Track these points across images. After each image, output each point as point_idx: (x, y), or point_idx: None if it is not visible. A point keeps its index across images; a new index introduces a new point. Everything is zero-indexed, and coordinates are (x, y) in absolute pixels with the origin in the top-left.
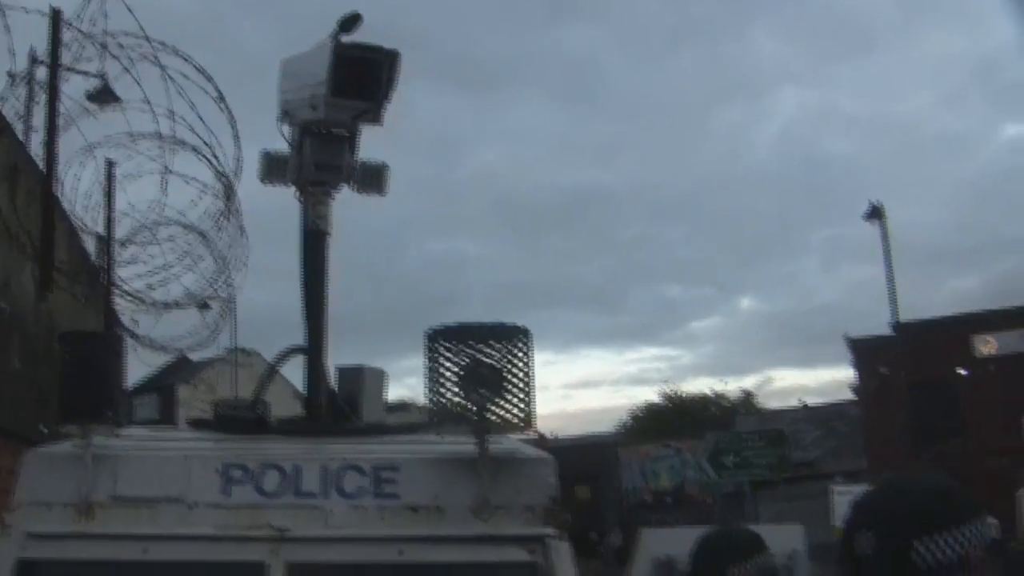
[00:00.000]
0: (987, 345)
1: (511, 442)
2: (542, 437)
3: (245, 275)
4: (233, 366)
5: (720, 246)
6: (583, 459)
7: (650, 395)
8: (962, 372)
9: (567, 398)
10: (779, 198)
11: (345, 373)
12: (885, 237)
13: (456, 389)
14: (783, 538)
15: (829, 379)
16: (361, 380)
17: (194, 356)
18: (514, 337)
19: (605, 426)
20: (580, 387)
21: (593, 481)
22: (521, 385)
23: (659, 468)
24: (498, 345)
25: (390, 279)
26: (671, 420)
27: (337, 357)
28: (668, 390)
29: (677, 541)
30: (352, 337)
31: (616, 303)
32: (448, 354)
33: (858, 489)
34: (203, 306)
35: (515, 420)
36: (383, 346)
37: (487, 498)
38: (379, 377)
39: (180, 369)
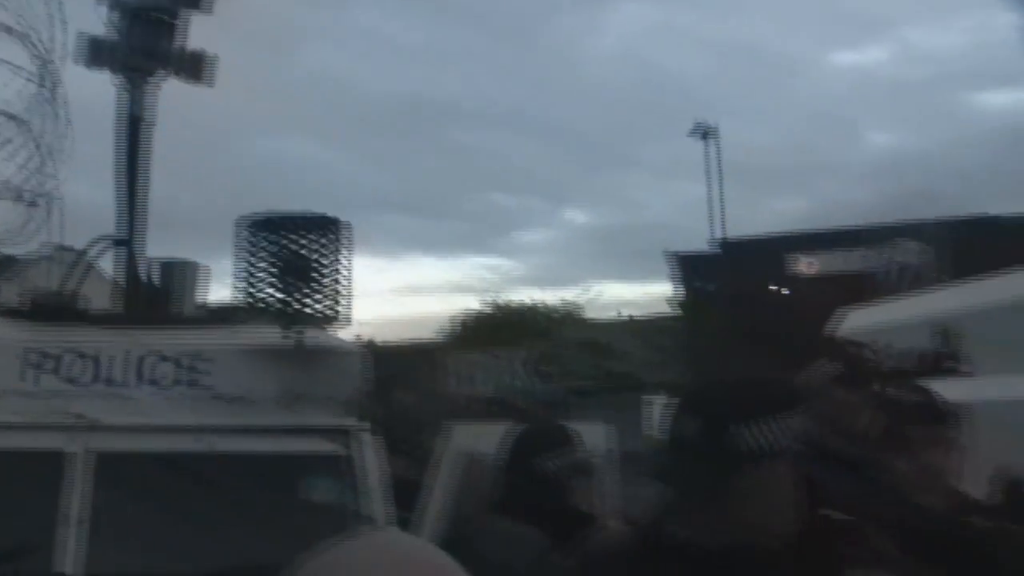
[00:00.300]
0: (807, 264)
1: (322, 334)
2: (365, 340)
3: (71, 168)
4: (56, 264)
5: (552, 157)
6: (407, 364)
7: (475, 303)
8: (782, 290)
9: (394, 304)
10: (613, 112)
11: (163, 266)
12: (713, 155)
13: (267, 279)
14: (593, 437)
15: (654, 294)
16: (178, 273)
17: (16, 253)
18: (328, 229)
19: (429, 333)
20: (408, 293)
21: (416, 386)
22: (334, 277)
23: (482, 375)
24: (311, 236)
25: (219, 176)
26: (495, 329)
27: (159, 251)
28: (494, 299)
29: (486, 436)
30: (177, 233)
31: (447, 211)
32: (260, 244)
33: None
34: (31, 203)
35: (327, 312)
36: (208, 243)
37: (296, 389)
38: (198, 271)
39: (2, 267)
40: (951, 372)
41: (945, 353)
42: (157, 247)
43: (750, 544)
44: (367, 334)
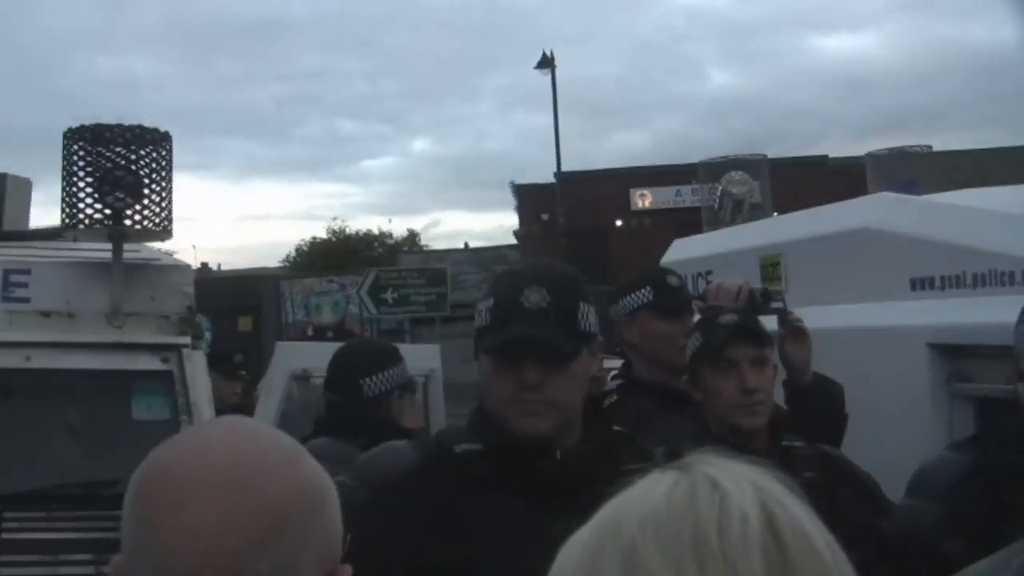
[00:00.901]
0: (643, 198)
1: (148, 250)
2: (205, 267)
3: None
4: None
5: (398, 84)
6: (246, 291)
7: (319, 231)
8: (618, 223)
9: (236, 231)
10: (458, 40)
11: None
12: (554, 87)
13: (91, 191)
14: (421, 356)
15: (495, 224)
16: (3, 187)
17: None
18: (154, 141)
19: (272, 260)
20: (250, 220)
21: (255, 313)
22: (160, 191)
23: (322, 302)
24: (137, 148)
25: (53, 94)
26: (336, 255)
27: None
28: (335, 226)
29: (313, 354)
30: (11, 152)
31: (290, 135)
32: (84, 155)
33: None
34: None
35: (151, 226)
36: (43, 163)
37: (121, 305)
38: (24, 186)
39: None
40: (770, 302)
41: (764, 288)
42: None
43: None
44: (207, 260)
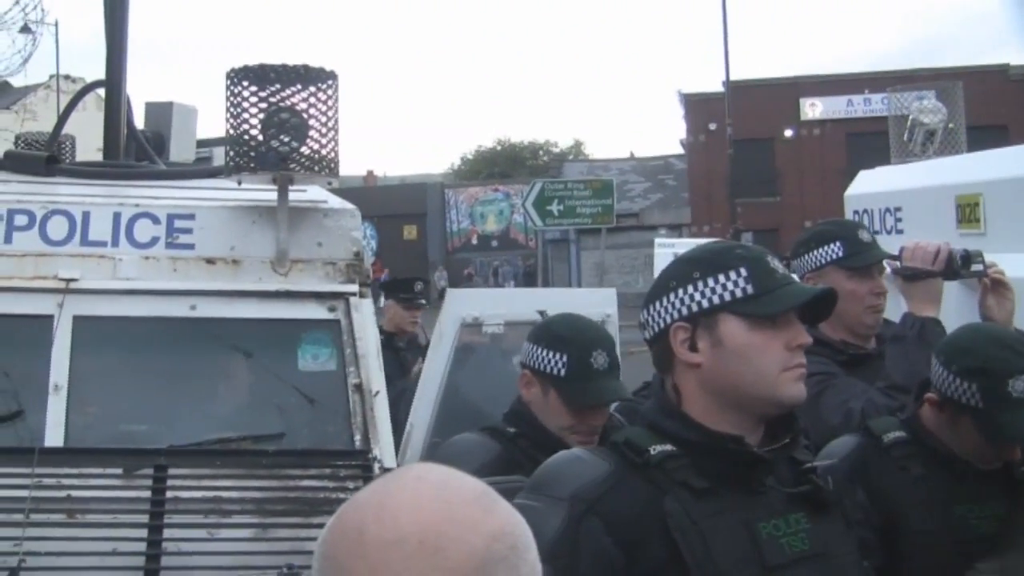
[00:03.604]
0: (813, 108)
1: (315, 191)
2: (370, 174)
3: None
4: (56, 93)
5: None
6: (410, 198)
7: (483, 139)
8: (787, 132)
9: (400, 135)
10: None
11: (153, 109)
12: None
13: (256, 133)
14: (597, 301)
15: (660, 133)
16: (169, 117)
17: (15, 82)
18: (320, 81)
19: (436, 167)
20: (413, 124)
21: (420, 221)
22: (325, 131)
23: (486, 211)
24: (302, 88)
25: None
26: (501, 164)
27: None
28: (501, 135)
29: (483, 302)
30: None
31: None
32: (250, 96)
33: (681, 242)
34: (23, 30)
35: (317, 168)
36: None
37: (287, 251)
38: (189, 114)
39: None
40: (970, 265)
41: (965, 250)
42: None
43: None
44: (371, 166)
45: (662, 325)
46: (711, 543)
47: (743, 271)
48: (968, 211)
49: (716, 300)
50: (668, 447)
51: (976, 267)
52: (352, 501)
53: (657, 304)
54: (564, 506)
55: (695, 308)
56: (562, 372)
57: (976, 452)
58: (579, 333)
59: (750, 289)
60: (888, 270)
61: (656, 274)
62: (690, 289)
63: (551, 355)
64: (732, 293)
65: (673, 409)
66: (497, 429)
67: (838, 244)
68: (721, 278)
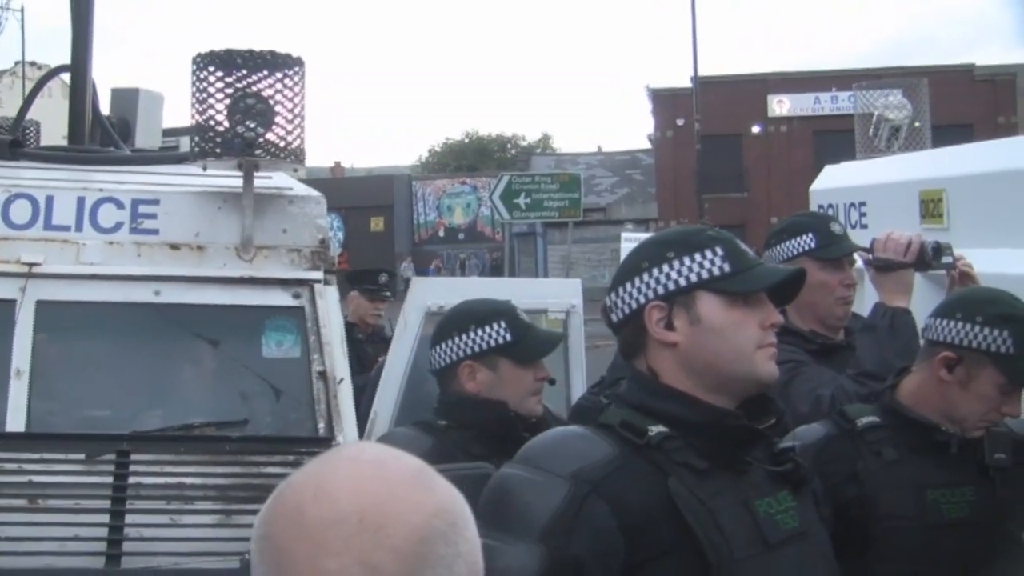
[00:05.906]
0: (780, 104)
1: (280, 178)
2: (337, 165)
3: None
4: (22, 80)
5: None
6: (378, 190)
7: (451, 132)
8: (754, 129)
9: (368, 127)
10: None
11: (119, 95)
12: None
13: (222, 119)
14: (560, 291)
15: (628, 129)
16: (135, 103)
17: None
18: (286, 67)
19: (404, 159)
20: (381, 116)
21: (387, 213)
22: (291, 118)
23: (454, 203)
24: (269, 75)
25: None
26: (469, 157)
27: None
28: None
29: (448, 291)
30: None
31: None
32: (216, 82)
33: (646, 236)
34: None
35: (283, 154)
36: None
37: (251, 237)
38: (156, 101)
39: None
40: (941, 257)
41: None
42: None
43: None
44: (338, 157)
45: (634, 306)
46: (721, 523)
47: (719, 250)
48: (931, 206)
49: (694, 278)
50: (662, 428)
51: (946, 259)
52: (289, 482)
53: (628, 285)
54: (565, 484)
55: (671, 287)
56: (508, 336)
57: (973, 415)
58: (495, 304)
59: (727, 267)
60: (859, 262)
61: None
62: (665, 268)
63: (489, 329)
64: (710, 271)
65: (664, 389)
66: (429, 423)
67: (810, 235)
68: (698, 256)
